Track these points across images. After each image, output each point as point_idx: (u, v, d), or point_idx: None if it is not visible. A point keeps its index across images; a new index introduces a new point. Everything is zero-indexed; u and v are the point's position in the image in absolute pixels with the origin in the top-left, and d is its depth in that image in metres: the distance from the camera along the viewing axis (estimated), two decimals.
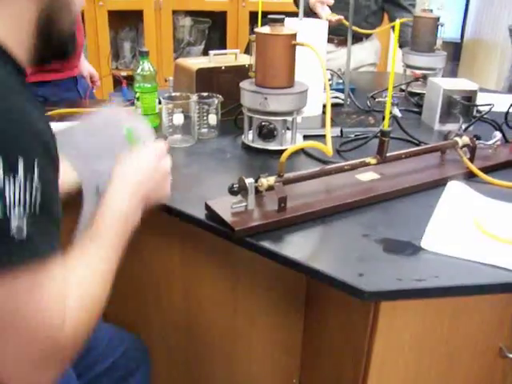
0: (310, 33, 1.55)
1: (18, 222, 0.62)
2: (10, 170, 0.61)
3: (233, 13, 3.69)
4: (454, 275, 0.91)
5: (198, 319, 1.30)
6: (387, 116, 1.13)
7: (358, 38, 2.47)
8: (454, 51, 4.90)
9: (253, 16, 3.68)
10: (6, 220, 0.61)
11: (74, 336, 0.72)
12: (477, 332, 0.97)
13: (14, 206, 0.61)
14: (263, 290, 1.15)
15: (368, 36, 2.57)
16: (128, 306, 1.41)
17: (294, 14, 2.13)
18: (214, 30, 3.91)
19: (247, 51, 3.32)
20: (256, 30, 1.33)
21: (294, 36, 1.31)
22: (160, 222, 1.15)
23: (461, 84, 1.63)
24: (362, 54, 2.61)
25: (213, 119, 1.53)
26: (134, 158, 0.97)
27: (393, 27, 2.33)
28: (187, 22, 3.84)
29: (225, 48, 3.76)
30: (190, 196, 1.15)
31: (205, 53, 3.91)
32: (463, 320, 0.96)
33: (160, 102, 1.49)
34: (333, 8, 2.36)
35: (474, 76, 4.90)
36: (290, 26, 1.35)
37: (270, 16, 1.31)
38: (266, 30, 1.31)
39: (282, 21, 1.31)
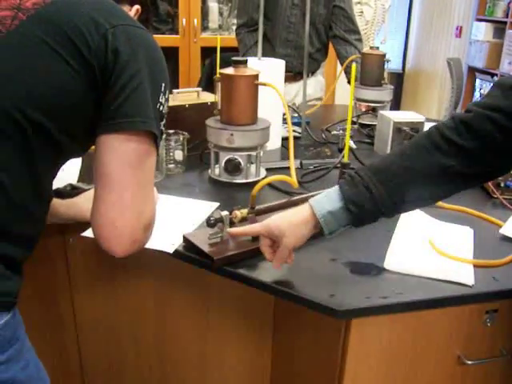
0: (269, 71, 1.65)
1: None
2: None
3: (184, 48, 3.79)
4: (416, 291, 1.01)
5: (170, 346, 1.35)
6: (347, 149, 1.24)
7: (303, 75, 2.57)
8: (397, 81, 5.16)
9: (204, 51, 3.79)
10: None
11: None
12: (437, 342, 1.07)
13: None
14: (233, 313, 1.22)
15: (313, 72, 2.66)
16: (101, 339, 1.45)
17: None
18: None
19: (199, 86, 3.43)
20: (221, 70, 1.42)
21: (256, 76, 1.41)
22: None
23: (409, 116, 1.76)
24: (308, 89, 2.68)
25: (179, 155, 1.60)
26: None
27: (342, 64, 2.48)
28: None
29: (177, 83, 3.84)
30: (166, 230, 1.21)
31: None
32: (425, 331, 1.06)
33: None
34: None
35: (416, 105, 5.17)
36: (252, 65, 1.45)
37: (234, 58, 1.41)
38: (230, 70, 1.40)
39: (245, 62, 1.41)
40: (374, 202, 0.93)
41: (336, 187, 0.97)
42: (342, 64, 2.53)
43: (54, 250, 1.33)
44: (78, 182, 1.38)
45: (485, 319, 1.08)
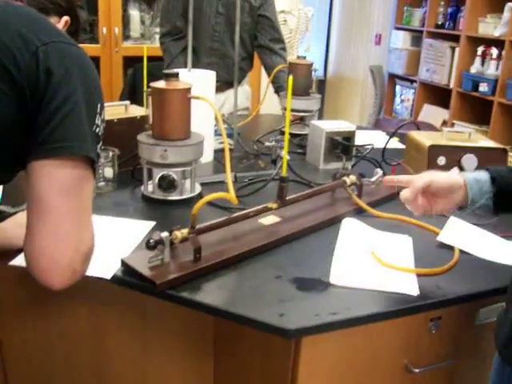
0: (199, 83, 1.61)
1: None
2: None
3: (106, 58, 3.68)
4: (363, 305, 1.01)
5: (108, 372, 1.28)
6: (284, 163, 1.22)
7: (229, 84, 2.51)
8: (319, 88, 5.24)
9: (126, 61, 3.70)
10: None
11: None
12: (386, 352, 1.08)
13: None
14: (172, 336, 1.18)
15: (239, 81, 2.63)
16: (34, 364, 1.36)
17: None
18: None
19: (122, 97, 3.35)
20: (152, 84, 1.37)
21: (189, 90, 1.37)
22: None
23: (340, 126, 1.78)
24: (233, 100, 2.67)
25: (109, 172, 1.54)
26: None
27: (268, 74, 2.48)
28: None
29: None
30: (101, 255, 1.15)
31: None
32: (373, 343, 1.05)
33: None
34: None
35: (338, 111, 5.28)
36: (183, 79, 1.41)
37: (165, 71, 1.37)
38: (161, 84, 1.36)
39: (176, 75, 1.36)
40: None
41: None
42: (268, 74, 2.53)
43: None
44: (1, 204, 1.29)
45: (429, 327, 1.09)
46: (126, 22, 3.78)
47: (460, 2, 4.36)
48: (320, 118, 2.50)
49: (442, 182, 1.05)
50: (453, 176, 1.07)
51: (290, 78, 1.15)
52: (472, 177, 1.05)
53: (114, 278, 1.07)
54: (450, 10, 4.45)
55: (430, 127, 4.02)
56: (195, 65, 1.98)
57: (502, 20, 3.83)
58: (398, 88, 5.11)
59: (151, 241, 1.05)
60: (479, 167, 1.49)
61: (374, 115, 4.15)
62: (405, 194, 1.06)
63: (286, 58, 2.55)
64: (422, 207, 1.07)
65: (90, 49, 3.64)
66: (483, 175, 1.05)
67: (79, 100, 0.84)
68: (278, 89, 2.40)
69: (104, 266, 1.09)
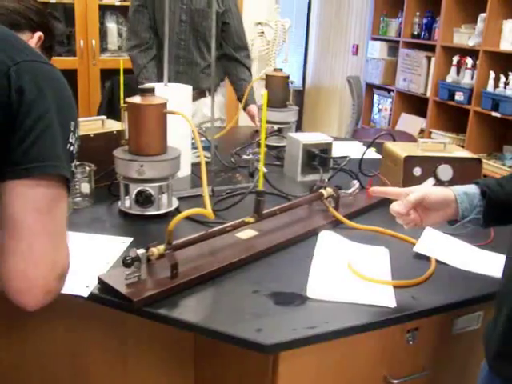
0: (176, 97, 1.61)
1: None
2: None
3: (83, 71, 3.67)
4: (341, 318, 1.01)
5: None
6: (261, 177, 1.23)
7: (200, 93, 2.53)
8: (297, 98, 5.27)
9: (104, 74, 3.69)
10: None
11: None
12: (364, 365, 1.08)
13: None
14: (152, 352, 1.17)
15: (209, 90, 2.57)
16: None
17: None
18: None
19: (100, 110, 3.33)
20: (128, 99, 1.37)
21: (165, 104, 1.37)
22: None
23: (317, 137, 1.79)
24: (207, 110, 2.57)
25: (86, 188, 1.52)
26: None
27: (231, 82, 2.56)
28: None
29: (76, 108, 3.70)
30: (78, 272, 1.14)
31: None
32: (352, 356, 1.06)
33: None
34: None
35: (317, 121, 5.31)
36: (159, 93, 1.41)
37: (140, 86, 1.36)
38: (137, 99, 1.35)
39: (152, 91, 1.36)
40: (503, 189, 1.04)
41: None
42: (231, 82, 2.56)
43: None
44: None
45: (407, 338, 1.10)
46: (103, 34, 3.77)
47: (435, 13, 4.42)
48: (299, 128, 2.52)
49: (435, 197, 1.05)
50: (445, 190, 1.07)
51: (265, 92, 1.15)
52: (462, 191, 1.06)
53: (91, 296, 1.06)
54: (425, 20, 4.51)
55: (407, 136, 4.07)
56: (161, 74, 1.97)
57: (476, 30, 3.90)
58: (375, 97, 5.15)
59: (128, 258, 1.04)
60: (454, 177, 1.50)
61: (352, 125, 4.18)
62: (396, 208, 1.05)
63: (250, 65, 2.56)
64: (413, 221, 1.07)
65: (67, 61, 3.63)
66: (473, 188, 1.06)
67: (53, 119, 0.84)
68: (241, 97, 2.41)
69: (81, 283, 1.08)
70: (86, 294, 1.06)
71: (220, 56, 2.56)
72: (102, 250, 1.24)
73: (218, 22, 2.47)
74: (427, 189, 1.08)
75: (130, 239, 1.29)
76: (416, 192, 1.05)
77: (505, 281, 0.96)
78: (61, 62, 3.63)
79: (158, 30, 2.42)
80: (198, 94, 2.50)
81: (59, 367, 1.26)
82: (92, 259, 1.19)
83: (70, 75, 3.71)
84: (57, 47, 3.63)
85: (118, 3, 3.70)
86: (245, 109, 2.40)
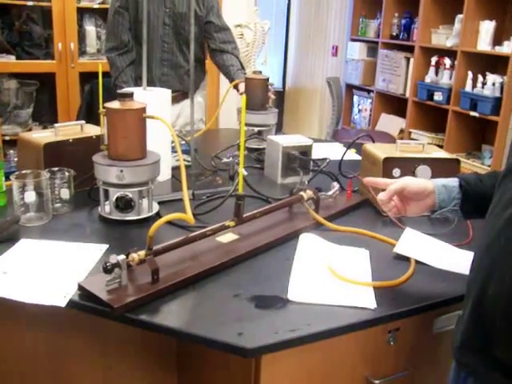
0: (155, 101, 1.61)
1: None
2: None
3: (62, 74, 3.64)
4: (322, 321, 1.02)
5: None
6: (241, 180, 1.23)
7: (183, 94, 2.53)
8: (278, 100, 5.28)
9: (83, 77, 3.66)
10: None
11: None
12: (346, 366, 1.09)
13: None
14: (134, 357, 1.17)
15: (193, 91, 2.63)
16: None
17: None
18: (42, 92, 3.80)
19: (79, 114, 3.30)
20: (106, 104, 1.36)
21: (144, 109, 1.36)
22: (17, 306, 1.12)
23: (297, 140, 1.79)
24: (188, 112, 2.62)
25: (65, 193, 1.51)
26: None
27: (224, 73, 2.53)
28: (12, 84, 3.70)
29: (55, 110, 3.68)
30: (54, 282, 1.13)
31: (34, 116, 3.78)
32: (333, 357, 1.06)
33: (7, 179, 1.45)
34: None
35: (298, 122, 5.33)
36: (138, 98, 1.40)
37: (119, 91, 1.36)
38: (116, 104, 1.35)
39: (131, 95, 1.36)
40: (482, 183, 1.11)
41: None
42: (223, 73, 2.56)
43: None
44: None
45: (388, 339, 1.11)
46: (81, 37, 3.75)
47: (413, 14, 4.46)
48: (279, 129, 2.52)
49: (415, 187, 1.15)
50: (424, 182, 1.16)
51: (244, 96, 1.16)
52: (441, 183, 1.15)
53: (71, 303, 1.06)
54: (403, 21, 4.56)
55: (387, 136, 4.10)
56: (148, 77, 1.96)
57: (454, 31, 3.94)
58: (355, 98, 5.19)
59: (108, 264, 1.04)
60: (433, 177, 1.51)
61: (332, 126, 4.19)
62: (380, 196, 1.16)
63: (238, 55, 2.57)
64: (394, 208, 1.17)
65: (45, 65, 3.60)
66: (453, 182, 1.15)
67: None
68: (234, 76, 2.42)
69: (58, 292, 1.07)
70: (63, 304, 1.05)
71: (210, 54, 2.59)
72: (78, 257, 1.23)
73: (201, 24, 2.48)
74: (408, 179, 1.17)
75: (105, 246, 1.28)
76: (398, 182, 1.16)
77: (471, 271, 0.97)
78: (39, 65, 3.60)
79: (140, 33, 2.39)
80: (182, 95, 2.50)
81: (40, 375, 1.25)
82: (69, 267, 1.18)
83: (49, 79, 3.68)
84: (34, 50, 3.60)
85: (96, 6, 3.67)
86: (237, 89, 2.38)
